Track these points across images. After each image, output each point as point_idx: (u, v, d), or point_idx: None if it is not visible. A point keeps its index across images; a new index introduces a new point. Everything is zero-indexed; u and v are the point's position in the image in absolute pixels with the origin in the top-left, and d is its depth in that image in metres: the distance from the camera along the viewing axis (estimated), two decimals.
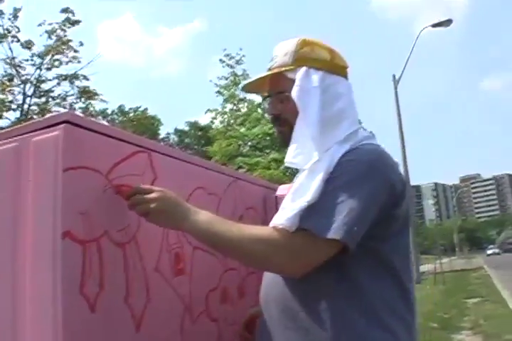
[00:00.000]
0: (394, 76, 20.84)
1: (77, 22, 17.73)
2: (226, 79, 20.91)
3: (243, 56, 21.04)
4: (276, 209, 1.49)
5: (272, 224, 1.41)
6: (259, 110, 18.90)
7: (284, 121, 1.58)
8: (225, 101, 21.17)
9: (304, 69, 1.52)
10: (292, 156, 1.49)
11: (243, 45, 23.97)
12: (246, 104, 20.61)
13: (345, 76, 1.60)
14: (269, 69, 1.59)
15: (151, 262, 1.45)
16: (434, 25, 20.66)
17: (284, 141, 1.59)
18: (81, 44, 17.93)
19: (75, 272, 1.21)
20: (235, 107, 21.35)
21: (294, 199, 1.40)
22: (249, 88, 1.79)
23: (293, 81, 1.51)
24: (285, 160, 1.52)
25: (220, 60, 21.01)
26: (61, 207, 1.20)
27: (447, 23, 20.51)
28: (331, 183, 1.39)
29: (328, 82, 1.52)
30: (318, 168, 1.42)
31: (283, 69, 1.54)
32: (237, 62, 20.98)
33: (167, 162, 1.58)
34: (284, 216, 1.38)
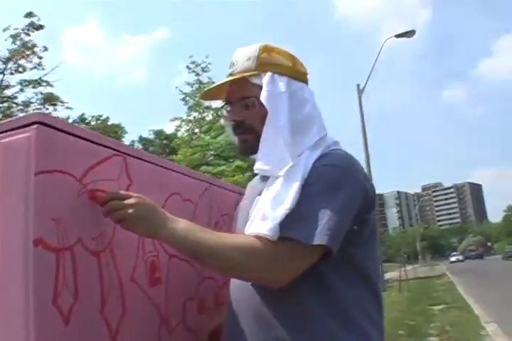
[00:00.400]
0: (358, 85, 21.07)
1: (41, 27, 17.55)
2: (192, 86, 20.95)
3: (209, 64, 21.15)
4: None
5: (252, 232, 1.36)
6: None
7: (248, 128, 1.53)
8: (190, 109, 21.18)
9: (269, 74, 1.48)
10: (263, 162, 1.45)
11: (208, 54, 24.06)
12: (212, 112, 20.64)
13: (306, 82, 1.59)
14: (231, 75, 1.54)
15: (127, 271, 1.38)
16: (398, 36, 21.02)
17: (247, 150, 1.55)
18: (45, 49, 17.76)
19: (48, 282, 1.13)
20: (200, 115, 21.36)
21: (273, 208, 1.35)
22: (208, 95, 1.72)
23: (258, 86, 1.48)
24: (255, 167, 1.48)
25: (187, 67, 21.08)
26: (33, 212, 1.13)
27: (411, 33, 20.90)
28: (307, 190, 1.36)
29: (294, 88, 1.50)
30: (294, 175, 1.39)
31: (247, 74, 1.50)
32: (203, 70, 21.07)
33: (142, 166, 1.52)
34: (267, 226, 1.33)
